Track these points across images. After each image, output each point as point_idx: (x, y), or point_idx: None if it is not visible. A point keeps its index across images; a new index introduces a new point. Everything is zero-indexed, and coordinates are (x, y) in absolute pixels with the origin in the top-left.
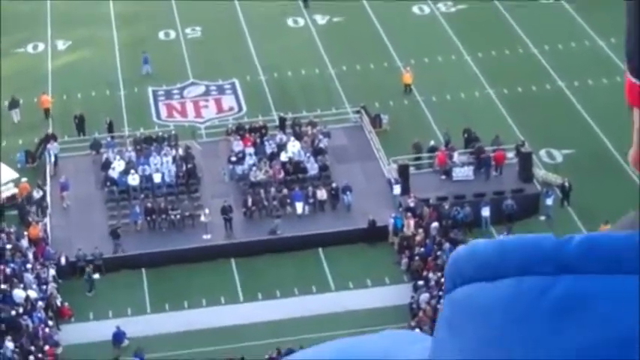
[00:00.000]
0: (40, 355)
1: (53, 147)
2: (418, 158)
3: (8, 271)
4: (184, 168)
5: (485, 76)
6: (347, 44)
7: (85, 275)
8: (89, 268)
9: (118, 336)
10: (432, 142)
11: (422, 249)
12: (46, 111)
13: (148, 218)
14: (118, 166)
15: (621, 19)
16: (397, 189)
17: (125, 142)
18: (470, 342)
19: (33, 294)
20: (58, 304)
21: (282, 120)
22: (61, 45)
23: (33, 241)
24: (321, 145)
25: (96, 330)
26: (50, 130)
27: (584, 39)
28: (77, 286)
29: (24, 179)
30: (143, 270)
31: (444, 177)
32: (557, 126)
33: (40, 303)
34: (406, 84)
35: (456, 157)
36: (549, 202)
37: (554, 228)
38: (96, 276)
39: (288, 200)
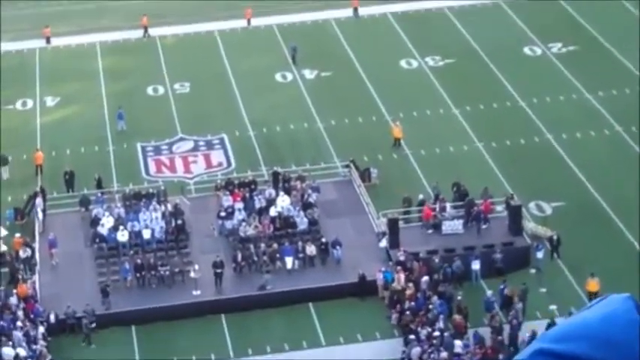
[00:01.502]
0: None
1: (39, 202)
2: (408, 212)
3: None
4: (173, 224)
5: (474, 130)
6: (335, 99)
7: (83, 327)
8: (86, 319)
9: None
10: (421, 196)
11: (412, 303)
12: (39, 167)
13: (138, 275)
14: (107, 222)
15: (608, 73)
16: (384, 242)
17: (114, 198)
18: None
19: (22, 352)
20: None
21: (276, 174)
22: (49, 101)
23: (22, 299)
24: (311, 199)
25: None
26: (39, 187)
27: (572, 92)
28: (67, 344)
29: (17, 235)
30: (133, 327)
31: (430, 231)
32: (546, 179)
33: None
34: (396, 138)
35: (448, 210)
36: (540, 255)
37: (543, 281)
38: (93, 325)
39: (278, 255)
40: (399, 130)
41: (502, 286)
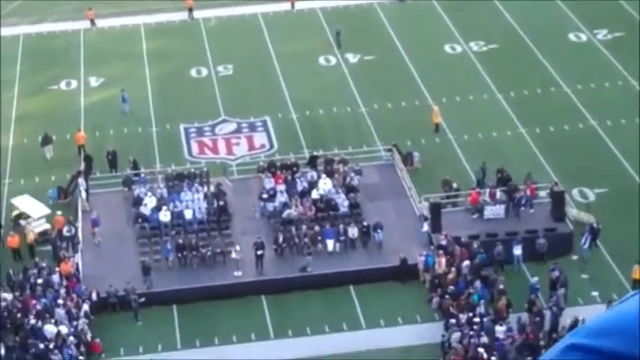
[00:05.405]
0: None
1: (81, 182)
2: (448, 196)
3: (40, 306)
4: (215, 205)
5: (518, 116)
6: (378, 82)
7: (132, 303)
8: (135, 295)
9: None
10: (455, 185)
11: (453, 287)
12: (81, 147)
13: (179, 255)
14: (149, 202)
15: None
16: (426, 226)
17: (157, 178)
18: None
19: (64, 330)
20: (89, 339)
21: (313, 158)
22: (93, 82)
23: (65, 277)
24: (353, 182)
25: None
26: (82, 167)
27: (617, 79)
28: (108, 322)
29: (59, 212)
30: (174, 306)
31: (475, 216)
32: (589, 165)
33: (71, 338)
34: (435, 122)
35: (498, 196)
36: (587, 244)
37: (586, 268)
38: (142, 300)
39: (319, 238)
40: (436, 115)
41: (552, 268)
